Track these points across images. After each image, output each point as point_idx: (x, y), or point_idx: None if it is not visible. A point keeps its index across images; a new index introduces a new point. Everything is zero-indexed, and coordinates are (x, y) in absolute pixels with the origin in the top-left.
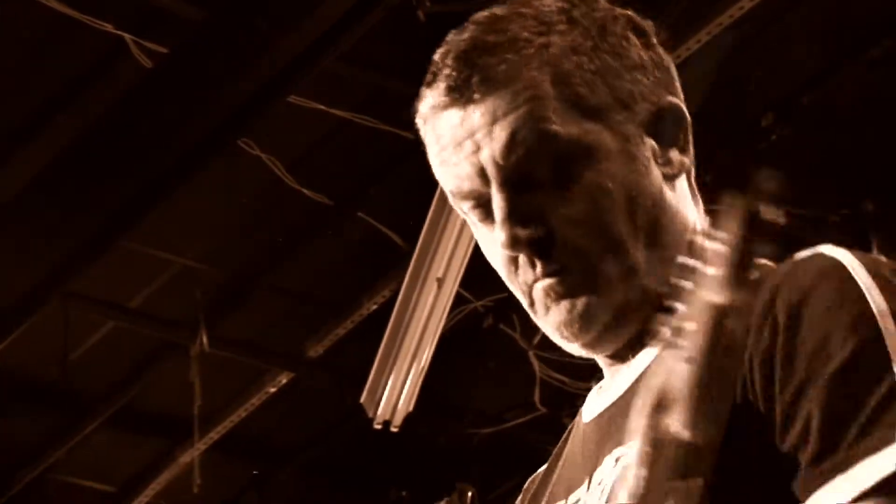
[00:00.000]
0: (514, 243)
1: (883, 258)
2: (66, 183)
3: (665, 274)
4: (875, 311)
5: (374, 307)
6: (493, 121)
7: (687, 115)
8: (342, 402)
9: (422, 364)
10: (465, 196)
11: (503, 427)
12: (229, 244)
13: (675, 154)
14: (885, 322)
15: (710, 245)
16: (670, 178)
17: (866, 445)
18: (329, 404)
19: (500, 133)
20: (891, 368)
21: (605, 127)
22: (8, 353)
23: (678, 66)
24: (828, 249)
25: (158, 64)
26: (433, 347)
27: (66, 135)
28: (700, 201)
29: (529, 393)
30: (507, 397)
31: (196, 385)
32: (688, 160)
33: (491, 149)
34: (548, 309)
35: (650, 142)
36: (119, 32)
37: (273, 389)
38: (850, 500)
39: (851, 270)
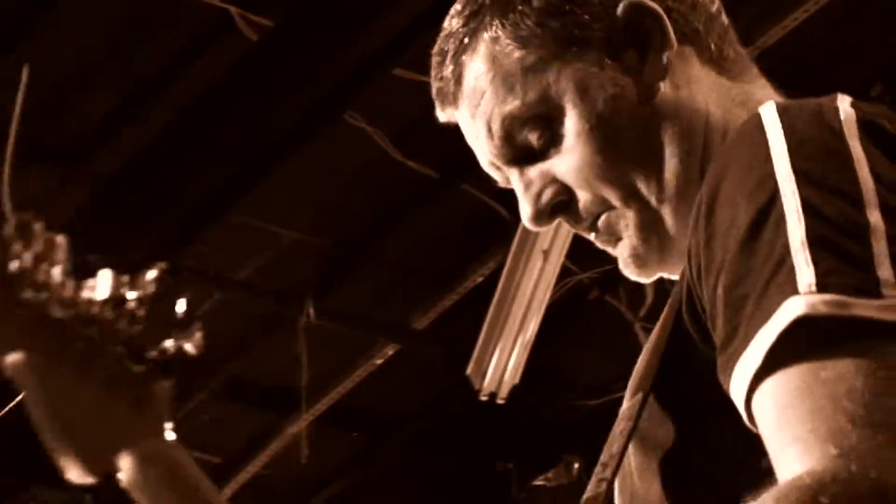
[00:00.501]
0: (537, 217)
1: (818, 101)
2: (172, 157)
3: (684, 179)
4: (777, 171)
5: (480, 279)
6: (472, 116)
7: (650, 5)
8: (448, 374)
9: (528, 336)
10: (503, 182)
11: (609, 399)
12: (336, 217)
13: (652, 56)
14: (784, 183)
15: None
16: (656, 81)
17: (758, 319)
18: (435, 376)
19: (480, 126)
20: (784, 231)
21: (562, 72)
22: None
23: (785, 38)
24: (763, 107)
25: (264, 37)
26: (539, 319)
27: (174, 108)
28: (726, 70)
29: (635, 364)
30: (612, 369)
31: (303, 357)
32: (668, 54)
33: (483, 140)
34: (616, 257)
35: (619, 59)
36: (224, 5)
37: (379, 361)
38: (749, 382)
39: (767, 130)
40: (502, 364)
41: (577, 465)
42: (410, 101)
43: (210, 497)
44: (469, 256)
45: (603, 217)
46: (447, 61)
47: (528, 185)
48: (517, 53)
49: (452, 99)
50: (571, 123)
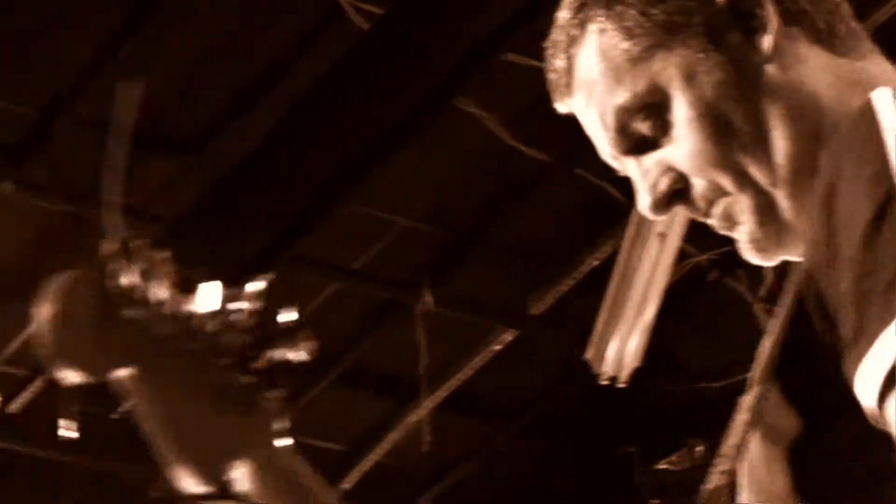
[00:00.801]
0: (655, 206)
1: None
2: (287, 148)
3: (797, 162)
4: (893, 165)
5: (597, 263)
6: (587, 107)
7: None
8: (567, 358)
9: (646, 319)
10: (623, 171)
11: (730, 381)
12: (451, 203)
13: (757, 38)
14: None
15: (840, 102)
16: (762, 64)
17: (884, 319)
18: (554, 361)
19: (595, 118)
20: None
21: (668, 60)
22: None
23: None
24: (875, 92)
25: (374, 25)
26: (658, 302)
27: (287, 99)
28: (837, 48)
29: (756, 346)
30: (732, 351)
31: (422, 344)
32: (773, 36)
33: (600, 132)
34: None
35: (724, 43)
36: None
37: (498, 347)
38: (880, 387)
39: (880, 119)
40: (622, 348)
41: (699, 449)
42: (522, 87)
43: (326, 500)
44: (584, 240)
45: (719, 204)
46: (559, 54)
47: (644, 175)
48: (624, 45)
49: (567, 90)
50: (681, 111)
